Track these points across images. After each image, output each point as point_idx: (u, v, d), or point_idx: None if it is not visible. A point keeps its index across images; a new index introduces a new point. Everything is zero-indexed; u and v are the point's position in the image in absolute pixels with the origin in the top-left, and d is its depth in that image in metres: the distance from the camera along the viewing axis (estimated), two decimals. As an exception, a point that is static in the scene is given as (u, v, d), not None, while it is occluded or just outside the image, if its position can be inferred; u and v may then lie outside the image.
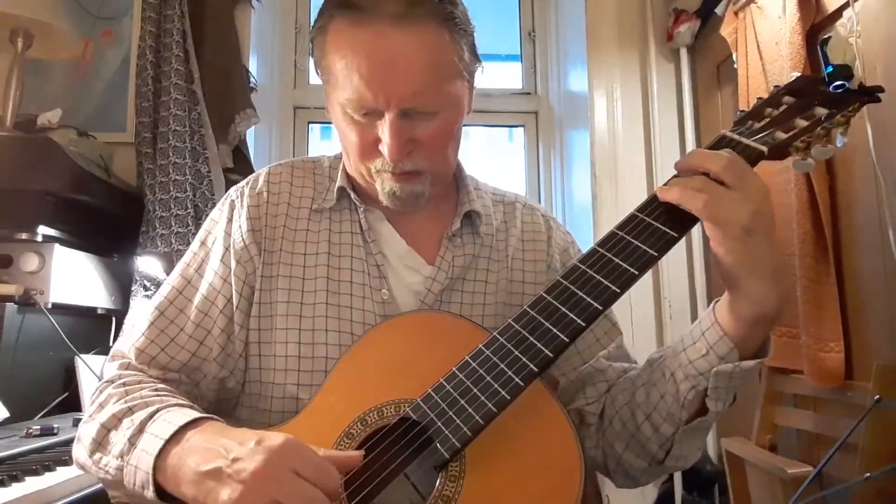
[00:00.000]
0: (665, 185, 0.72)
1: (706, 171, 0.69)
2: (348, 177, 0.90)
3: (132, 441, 0.69)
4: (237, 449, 0.62)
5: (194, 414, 0.69)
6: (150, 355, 0.81)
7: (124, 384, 0.77)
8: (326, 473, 0.61)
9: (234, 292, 0.84)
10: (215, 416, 0.70)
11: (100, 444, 0.72)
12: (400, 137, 0.78)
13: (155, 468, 0.65)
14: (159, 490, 0.66)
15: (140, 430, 0.69)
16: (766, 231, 0.67)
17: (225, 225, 0.88)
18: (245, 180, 0.93)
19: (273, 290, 0.84)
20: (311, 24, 2.60)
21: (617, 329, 0.94)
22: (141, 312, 0.89)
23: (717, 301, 0.74)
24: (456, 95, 0.82)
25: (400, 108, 0.77)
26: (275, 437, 0.62)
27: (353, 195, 0.89)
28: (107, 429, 0.72)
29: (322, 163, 0.95)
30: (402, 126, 0.78)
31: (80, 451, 0.75)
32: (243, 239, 0.85)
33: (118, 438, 0.71)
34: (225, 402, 0.86)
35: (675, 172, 0.75)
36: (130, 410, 0.72)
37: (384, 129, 0.78)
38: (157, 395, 0.74)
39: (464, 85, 0.84)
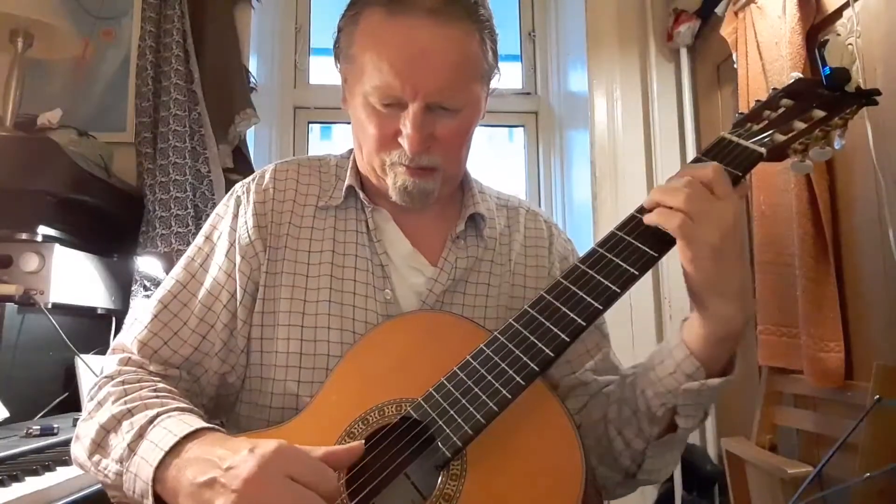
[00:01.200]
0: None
1: (668, 206, 0.69)
2: (358, 175, 0.91)
3: (132, 447, 0.69)
4: (231, 458, 0.62)
5: (195, 423, 0.69)
6: (153, 349, 0.81)
7: (123, 382, 0.76)
8: (322, 475, 0.61)
9: (237, 288, 0.84)
10: (215, 426, 0.70)
11: (99, 445, 0.72)
12: (422, 131, 0.79)
13: (154, 479, 0.65)
14: (158, 500, 0.66)
15: (140, 435, 0.69)
16: (737, 253, 0.68)
17: (230, 220, 0.88)
18: (251, 176, 0.93)
19: (276, 287, 0.84)
20: (311, 23, 2.62)
21: (606, 341, 0.94)
22: (143, 306, 0.89)
23: (685, 320, 0.75)
24: (477, 96, 0.84)
25: (426, 101, 0.78)
26: (268, 444, 0.62)
27: (361, 194, 0.89)
28: (106, 430, 0.72)
29: (329, 161, 0.95)
30: (425, 119, 0.79)
31: (78, 450, 0.75)
32: (249, 235, 0.86)
33: (117, 442, 0.70)
34: (224, 397, 0.86)
35: (674, 173, 0.76)
36: (130, 413, 0.72)
37: (406, 121, 0.79)
38: (157, 398, 0.74)
39: (484, 87, 0.85)
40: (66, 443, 1.15)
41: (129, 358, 0.81)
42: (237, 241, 0.86)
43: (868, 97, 0.77)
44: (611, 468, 0.82)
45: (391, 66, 0.77)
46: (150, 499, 0.65)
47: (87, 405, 0.78)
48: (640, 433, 0.78)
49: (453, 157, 0.86)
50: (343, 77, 0.87)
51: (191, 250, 0.89)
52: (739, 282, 0.69)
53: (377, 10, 0.79)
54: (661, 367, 0.75)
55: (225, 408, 0.88)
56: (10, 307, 1.40)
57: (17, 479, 0.94)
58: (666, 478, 0.83)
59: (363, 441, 0.67)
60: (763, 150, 0.74)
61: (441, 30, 0.77)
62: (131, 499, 0.68)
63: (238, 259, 0.85)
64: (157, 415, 0.70)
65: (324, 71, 2.60)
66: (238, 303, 0.83)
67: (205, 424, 0.69)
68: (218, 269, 0.85)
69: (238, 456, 0.61)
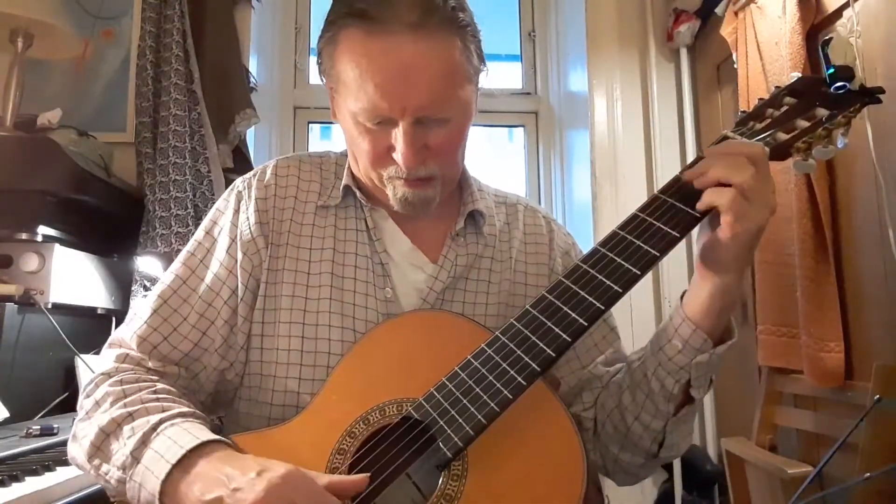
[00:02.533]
0: (690, 168, 0.74)
1: (726, 182, 0.69)
2: (353, 176, 0.90)
3: (135, 455, 0.68)
4: (239, 479, 0.62)
5: (201, 435, 0.68)
6: (152, 344, 0.81)
7: (121, 382, 0.76)
8: None
9: (239, 284, 0.83)
10: (222, 438, 0.70)
11: (99, 448, 0.72)
12: (414, 145, 0.78)
13: (161, 493, 0.65)
14: None
15: (143, 442, 0.69)
16: (763, 232, 0.71)
17: (231, 216, 0.88)
18: (252, 172, 0.92)
19: (278, 284, 0.84)
20: (311, 23, 2.62)
21: (615, 334, 0.94)
22: (142, 301, 0.89)
23: (682, 297, 0.78)
24: (466, 100, 0.83)
25: (415, 116, 0.77)
26: (277, 468, 0.62)
27: (358, 194, 0.89)
28: (105, 434, 0.72)
29: (329, 158, 0.95)
30: (416, 134, 0.78)
31: (77, 451, 0.75)
32: (251, 231, 0.85)
33: (119, 448, 0.70)
34: (223, 394, 0.86)
35: (675, 174, 0.76)
36: (130, 416, 0.71)
37: (398, 138, 0.78)
38: (158, 401, 0.74)
39: (473, 89, 0.84)
40: (66, 443, 1.15)
41: (127, 354, 0.81)
42: (238, 237, 0.86)
43: (872, 95, 0.77)
44: (633, 453, 0.84)
45: (376, 86, 0.76)
46: None
47: (83, 402, 0.77)
48: (657, 413, 0.79)
49: (449, 163, 0.85)
50: (330, 94, 0.87)
51: (190, 245, 0.88)
52: (751, 260, 0.74)
53: (354, 30, 0.77)
54: (670, 347, 0.76)
55: (223, 404, 0.88)
56: (10, 307, 1.40)
57: (17, 479, 0.94)
58: (685, 450, 0.87)
59: (367, 475, 0.67)
60: (766, 148, 0.74)
61: (422, 43, 0.76)
62: (132, 502, 0.68)
63: (240, 255, 0.84)
64: (161, 421, 0.70)
65: (324, 71, 2.59)
66: (239, 299, 0.83)
67: (212, 437, 0.69)
68: (218, 264, 0.85)
69: (246, 477, 0.62)
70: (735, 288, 0.73)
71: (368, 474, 0.67)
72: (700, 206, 0.71)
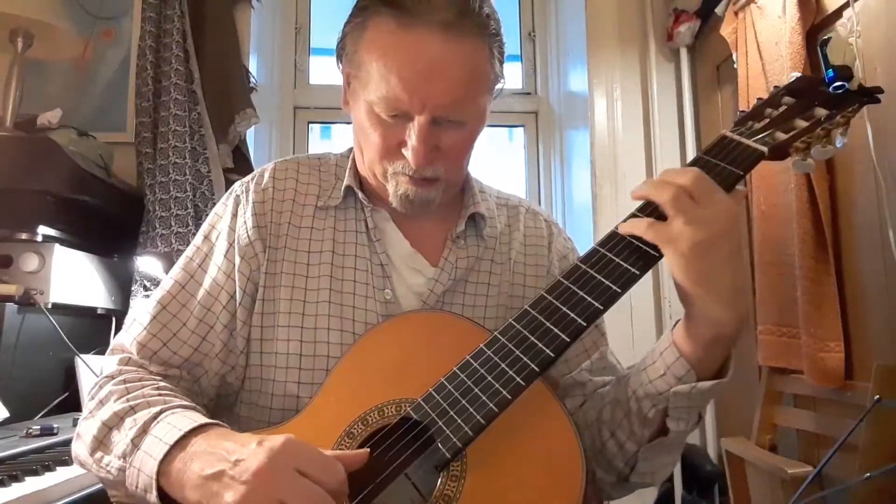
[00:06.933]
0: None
1: (655, 203, 0.68)
2: (356, 175, 0.90)
3: (135, 442, 0.68)
4: (239, 451, 0.62)
5: (199, 419, 0.69)
6: (152, 350, 0.81)
7: (125, 381, 0.76)
8: (330, 470, 0.61)
9: (237, 288, 0.83)
10: (220, 422, 0.70)
11: (101, 442, 0.72)
12: (427, 143, 0.78)
13: (159, 473, 0.65)
14: (162, 494, 0.65)
15: (143, 430, 0.69)
16: (726, 254, 0.65)
17: (229, 220, 0.88)
18: (250, 175, 0.92)
19: (276, 288, 0.84)
20: (311, 23, 2.62)
21: (603, 339, 0.94)
22: (142, 306, 0.89)
23: (677, 321, 0.73)
24: (483, 108, 0.83)
25: (433, 115, 0.77)
26: (276, 438, 0.62)
27: (360, 194, 0.89)
28: (108, 427, 0.72)
29: (328, 160, 0.95)
30: (431, 132, 0.78)
31: (80, 448, 0.75)
32: (248, 235, 0.85)
33: (120, 438, 0.70)
34: (224, 397, 0.86)
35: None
36: (133, 409, 0.72)
37: (412, 133, 0.78)
38: (160, 395, 0.74)
39: (489, 98, 0.85)
40: (66, 443, 1.15)
41: (130, 358, 0.81)
42: (236, 242, 0.86)
43: (870, 95, 0.77)
44: (605, 470, 0.82)
45: (400, 78, 0.76)
46: (154, 492, 0.65)
47: (88, 404, 0.77)
48: (632, 435, 0.77)
49: (456, 168, 0.85)
50: (346, 79, 0.86)
51: (189, 250, 0.88)
52: (731, 283, 0.65)
53: (387, 19, 0.77)
54: (653, 369, 0.73)
55: (224, 408, 0.88)
56: (10, 307, 1.40)
57: (17, 479, 0.94)
58: (662, 480, 0.82)
59: (368, 449, 0.67)
60: (765, 148, 0.74)
61: (452, 45, 0.76)
62: (133, 494, 0.68)
63: (237, 260, 0.84)
64: (161, 411, 0.70)
65: (324, 71, 2.60)
66: (237, 304, 0.83)
67: (209, 420, 0.69)
68: (217, 269, 0.85)
69: (246, 449, 0.62)
70: (720, 318, 0.66)
71: (368, 449, 0.67)
72: (622, 231, 0.70)
